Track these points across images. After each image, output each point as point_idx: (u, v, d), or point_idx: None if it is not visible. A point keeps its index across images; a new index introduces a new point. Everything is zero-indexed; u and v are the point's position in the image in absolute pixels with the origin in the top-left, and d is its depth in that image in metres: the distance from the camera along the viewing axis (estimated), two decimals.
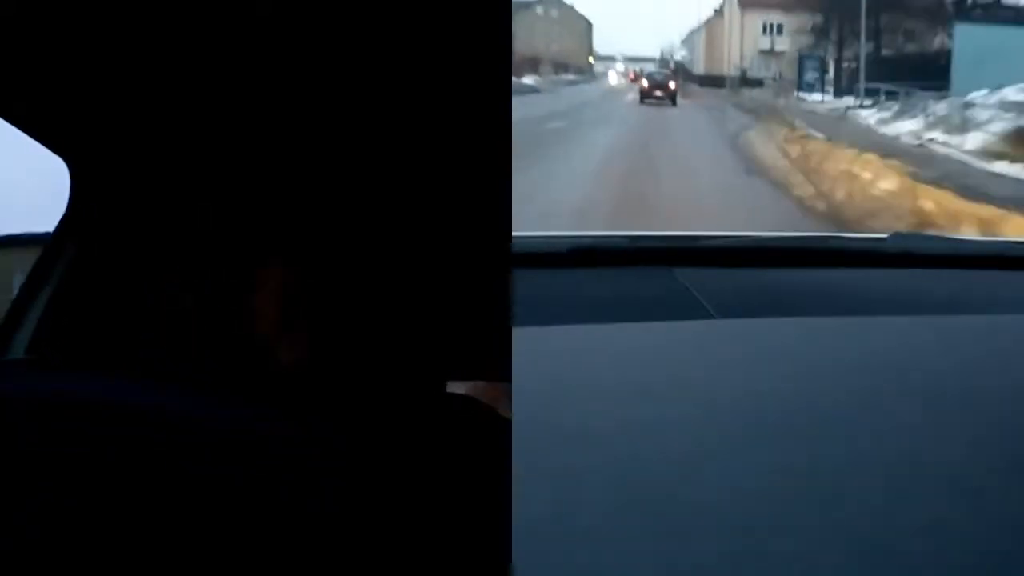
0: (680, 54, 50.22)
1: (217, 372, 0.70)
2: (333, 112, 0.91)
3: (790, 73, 31.26)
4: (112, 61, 0.84)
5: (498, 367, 0.79)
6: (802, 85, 24.20)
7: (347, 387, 0.70)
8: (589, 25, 61.53)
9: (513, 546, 0.49)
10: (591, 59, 59.10)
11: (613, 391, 0.78)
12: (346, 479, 0.55)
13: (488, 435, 0.65)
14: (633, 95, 25.67)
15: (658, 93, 22.58)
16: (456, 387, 0.90)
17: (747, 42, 34.21)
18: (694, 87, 34.06)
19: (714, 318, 1.09)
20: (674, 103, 22.10)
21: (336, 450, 0.57)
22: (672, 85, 23.58)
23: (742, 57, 33.94)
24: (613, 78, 45.82)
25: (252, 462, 0.52)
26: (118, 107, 0.95)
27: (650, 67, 36.73)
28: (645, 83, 24.10)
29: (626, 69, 49.62)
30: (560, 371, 0.84)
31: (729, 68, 35.48)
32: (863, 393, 0.78)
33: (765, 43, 34.76)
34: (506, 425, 0.65)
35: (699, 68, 42.10)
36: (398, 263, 0.75)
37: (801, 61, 25.18)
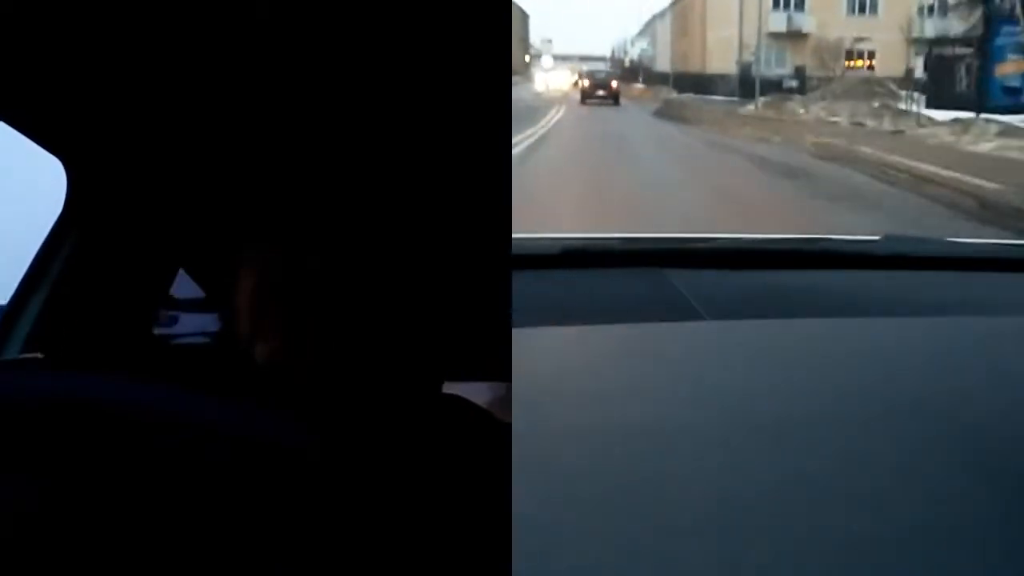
0: (639, 47, 40.08)
1: (214, 370, 0.75)
2: (333, 113, 0.94)
3: (819, 68, 20.34)
4: (105, 57, 0.88)
5: (497, 368, 0.84)
6: (994, 93, 11.23)
7: (344, 387, 0.74)
8: (524, 16, 51.18)
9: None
10: (527, 57, 48.88)
11: (604, 392, 0.82)
12: (343, 480, 0.57)
13: (485, 436, 0.71)
14: (559, 115, 18.09)
15: (600, 93, 23.63)
16: (454, 388, 0.92)
17: (748, 22, 22.88)
18: (670, 93, 23.50)
19: (705, 319, 1.13)
20: (616, 103, 23.12)
21: (332, 451, 0.59)
22: (614, 84, 24.43)
23: (741, 46, 22.62)
24: (540, 84, 34.29)
25: (251, 462, 0.54)
26: (113, 106, 1.00)
27: (601, 65, 32.86)
28: (586, 83, 24.51)
29: (557, 68, 38.69)
30: (551, 372, 0.88)
31: (711, 63, 24.43)
32: (854, 395, 0.82)
33: (779, 22, 23.59)
34: (504, 426, 0.71)
35: (663, 64, 31.55)
36: (397, 264, 0.78)
37: (992, 27, 11.35)
